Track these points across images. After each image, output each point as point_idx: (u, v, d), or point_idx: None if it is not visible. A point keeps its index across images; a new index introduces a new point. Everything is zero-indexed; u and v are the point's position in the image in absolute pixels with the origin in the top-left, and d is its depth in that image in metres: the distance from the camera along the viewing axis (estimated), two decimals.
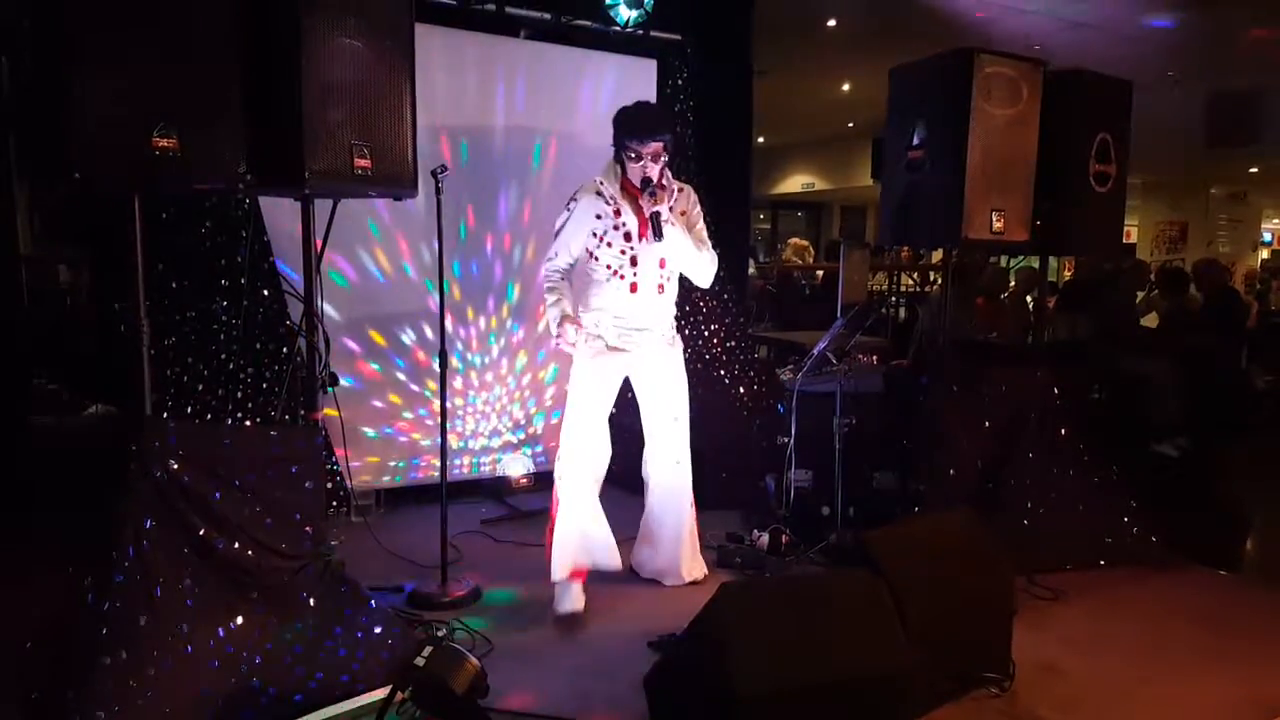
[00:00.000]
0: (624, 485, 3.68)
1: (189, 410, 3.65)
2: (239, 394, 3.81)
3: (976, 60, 3.45)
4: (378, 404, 4.31)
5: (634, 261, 3.21)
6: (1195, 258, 10.56)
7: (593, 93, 4.61)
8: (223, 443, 2.57)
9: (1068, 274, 12.02)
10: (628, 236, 3.20)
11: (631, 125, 3.13)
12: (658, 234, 3.11)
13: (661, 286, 3.28)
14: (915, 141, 3.64)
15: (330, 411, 3.09)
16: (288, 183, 2.63)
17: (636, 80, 4.69)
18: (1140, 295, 7.39)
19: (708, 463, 3.71)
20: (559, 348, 3.28)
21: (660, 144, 3.12)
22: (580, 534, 3.28)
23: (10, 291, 3.31)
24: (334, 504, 4.00)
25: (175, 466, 2.38)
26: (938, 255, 7.51)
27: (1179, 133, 9.65)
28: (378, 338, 4.27)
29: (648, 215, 3.12)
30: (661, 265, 3.26)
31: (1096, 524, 3.84)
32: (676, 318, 3.50)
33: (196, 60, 2.36)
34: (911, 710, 2.47)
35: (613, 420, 3.37)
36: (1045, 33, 7.12)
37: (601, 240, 3.21)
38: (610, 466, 3.36)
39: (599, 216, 3.21)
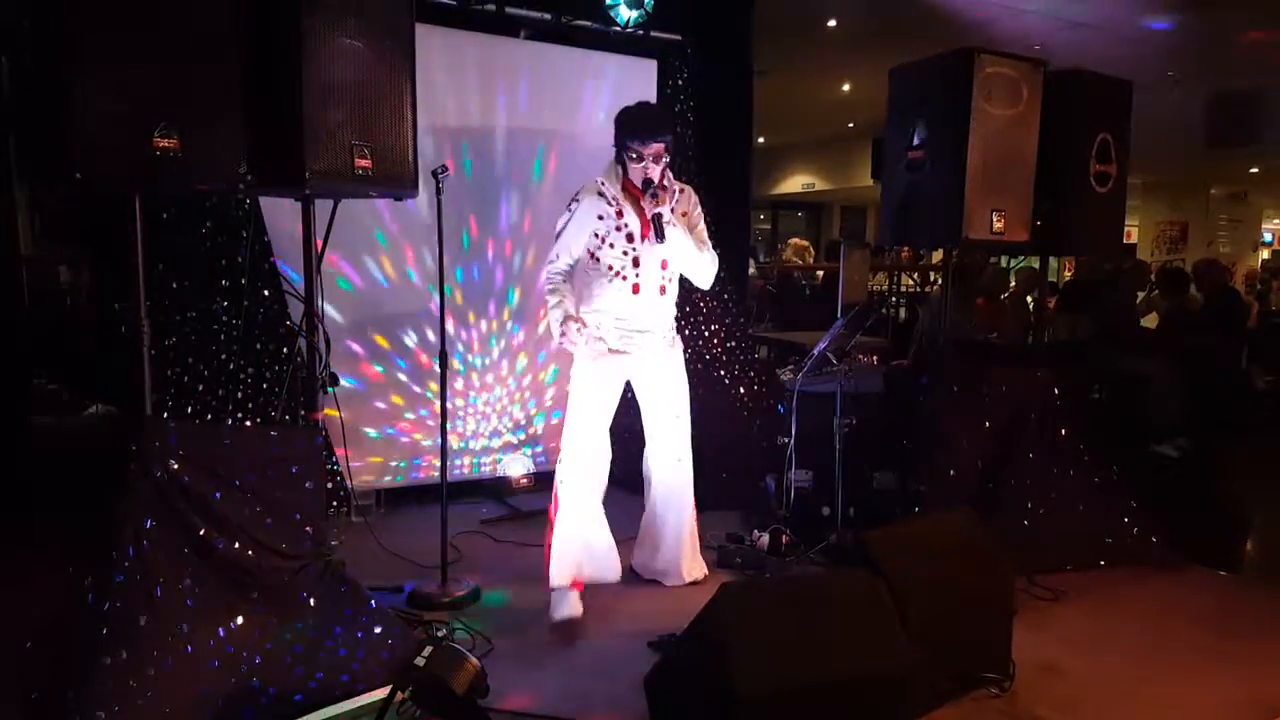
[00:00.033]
0: (624, 485, 3.67)
1: (189, 410, 3.65)
2: (239, 394, 3.81)
3: (977, 60, 3.45)
4: (380, 405, 4.33)
5: (636, 263, 3.20)
6: (1195, 258, 10.56)
7: (593, 93, 4.61)
8: (223, 443, 2.57)
9: (1068, 274, 12.02)
10: (630, 238, 3.19)
11: (633, 126, 3.12)
12: (660, 235, 3.09)
13: (663, 288, 3.27)
14: (915, 141, 3.64)
15: (331, 412, 3.09)
16: (288, 183, 2.63)
17: (637, 80, 4.69)
18: (1140, 295, 7.38)
19: (708, 463, 3.71)
20: (562, 348, 3.25)
21: (662, 145, 3.10)
22: (582, 543, 3.25)
23: (11, 291, 3.31)
24: (334, 504, 4.00)
25: (175, 466, 2.38)
26: (938, 255, 7.52)
27: (1179, 133, 9.65)
28: (381, 341, 4.30)
29: (650, 216, 3.11)
30: (663, 267, 3.24)
31: (1097, 524, 3.84)
32: (676, 318, 3.49)
33: (197, 60, 2.36)
34: (911, 710, 2.46)
35: (613, 420, 3.36)
36: (1045, 33, 7.12)
37: (603, 241, 3.19)
38: (611, 467, 3.35)
39: (601, 217, 3.19)
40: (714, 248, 3.36)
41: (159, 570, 2.30)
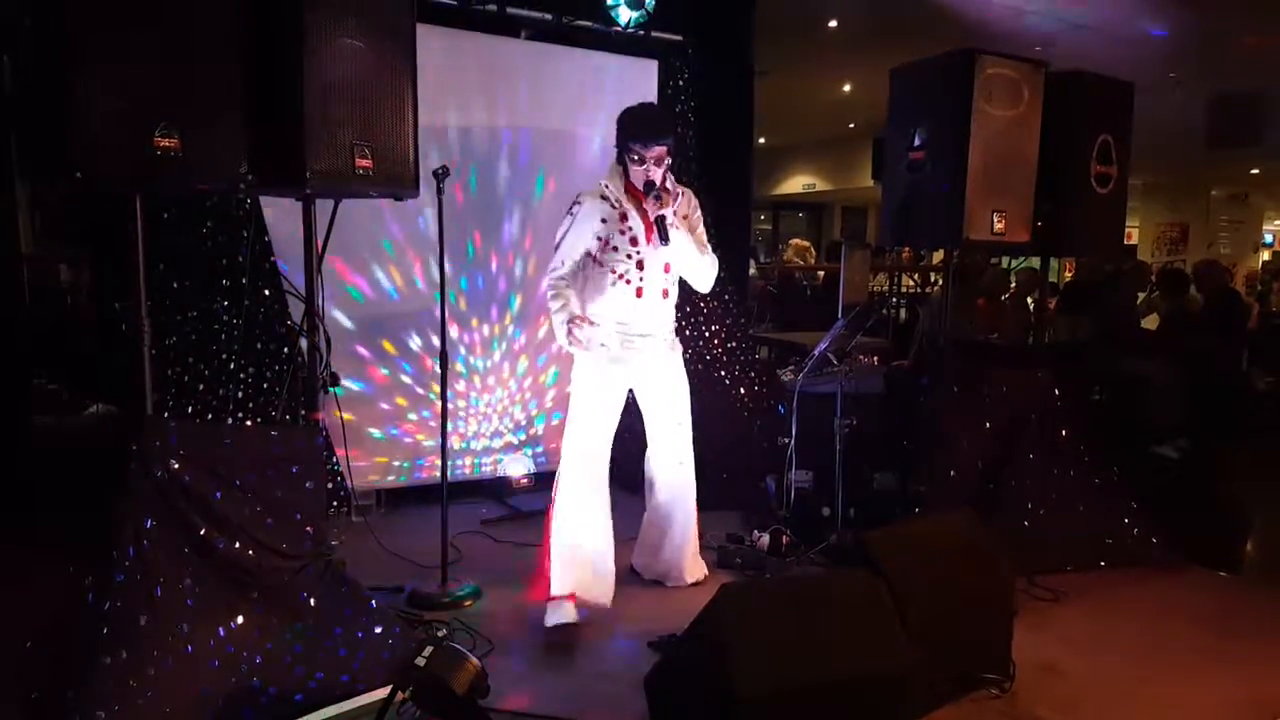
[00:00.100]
0: (624, 485, 3.67)
1: (190, 410, 3.65)
2: (240, 394, 3.81)
3: (978, 61, 3.45)
4: (385, 406, 4.36)
5: (640, 266, 3.17)
6: (1196, 259, 10.56)
7: (594, 93, 4.61)
8: (223, 442, 2.57)
9: (1068, 275, 12.02)
10: (634, 241, 3.16)
11: (635, 128, 3.10)
12: (664, 238, 3.07)
13: (665, 291, 3.25)
14: (916, 142, 3.63)
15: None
16: (289, 182, 2.63)
17: (638, 81, 4.69)
18: (1141, 297, 7.38)
19: (708, 463, 3.70)
20: (564, 350, 3.21)
21: (664, 148, 3.09)
22: (585, 555, 3.20)
23: (11, 290, 3.31)
24: (334, 504, 4.00)
25: (176, 466, 2.38)
26: (938, 256, 7.52)
27: (1180, 134, 9.65)
28: (388, 345, 4.35)
29: (653, 219, 3.09)
30: (666, 270, 3.22)
31: (1097, 525, 3.84)
32: (677, 318, 3.48)
33: (198, 60, 2.36)
34: (911, 710, 2.46)
35: None
36: (1046, 34, 7.12)
37: (606, 245, 3.16)
38: (611, 468, 3.33)
39: (604, 220, 3.16)
40: (715, 249, 3.35)
41: (159, 570, 2.30)
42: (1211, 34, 7.10)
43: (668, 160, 3.13)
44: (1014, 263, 6.70)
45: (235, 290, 3.73)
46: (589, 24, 4.52)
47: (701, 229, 3.34)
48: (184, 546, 2.39)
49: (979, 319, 6.15)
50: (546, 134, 4.54)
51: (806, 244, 9.66)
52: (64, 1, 2.15)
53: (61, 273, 4.11)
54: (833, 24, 7.48)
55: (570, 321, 3.09)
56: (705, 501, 3.60)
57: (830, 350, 4.07)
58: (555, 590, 3.18)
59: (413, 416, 4.42)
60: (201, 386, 3.72)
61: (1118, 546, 3.82)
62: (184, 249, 3.66)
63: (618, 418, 3.29)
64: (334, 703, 2.44)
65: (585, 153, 4.59)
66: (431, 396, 4.38)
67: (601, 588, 3.24)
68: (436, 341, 3.36)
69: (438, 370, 3.34)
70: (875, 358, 4.56)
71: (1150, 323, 7.47)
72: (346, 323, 4.19)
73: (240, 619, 2.46)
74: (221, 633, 2.41)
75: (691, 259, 3.21)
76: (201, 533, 2.41)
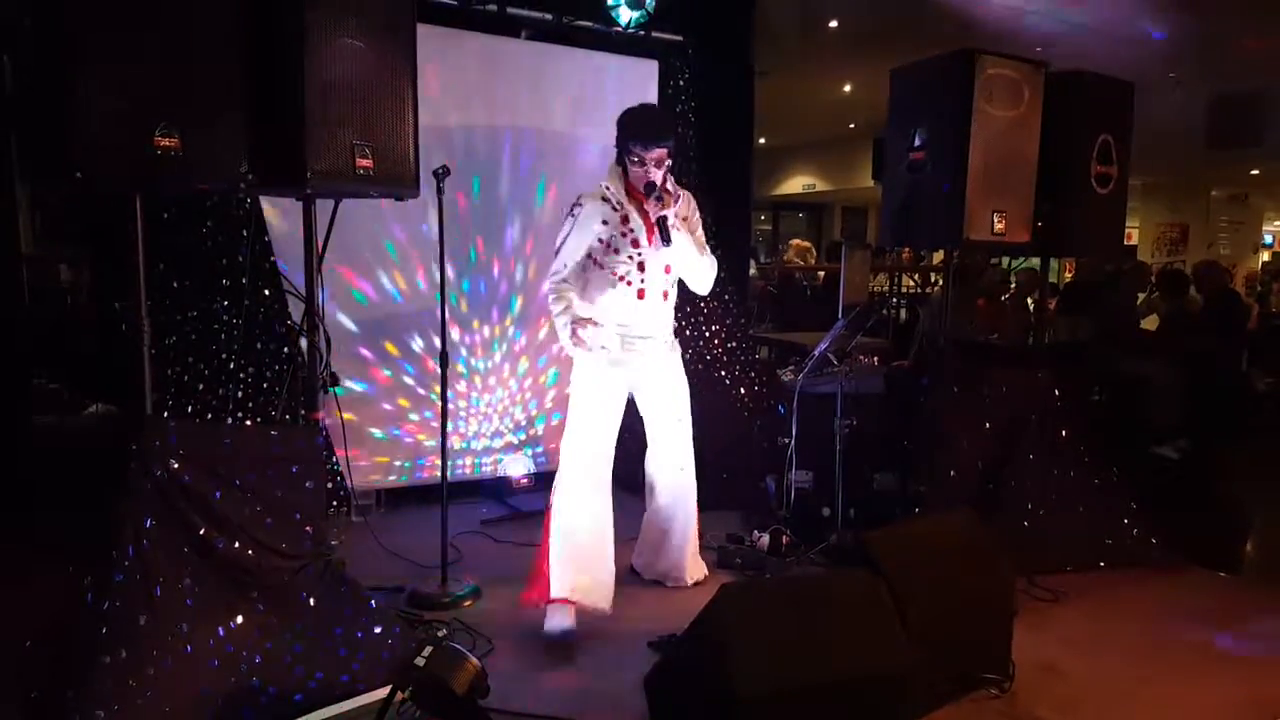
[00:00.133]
0: (624, 485, 3.66)
1: (190, 410, 3.65)
2: (240, 394, 3.81)
3: (978, 61, 3.45)
4: (387, 406, 4.37)
5: (642, 267, 3.16)
6: (1196, 260, 10.56)
7: (594, 93, 4.61)
8: (223, 442, 2.57)
9: (1068, 276, 12.02)
10: (635, 242, 3.15)
11: (636, 129, 3.09)
12: (665, 239, 3.06)
13: (666, 293, 3.25)
14: (916, 143, 3.64)
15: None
16: (289, 182, 2.62)
17: (638, 81, 4.70)
18: (1141, 297, 7.38)
19: (708, 463, 3.70)
20: (565, 353, 3.21)
21: (665, 150, 3.08)
22: (588, 561, 3.17)
23: (11, 290, 3.31)
24: (334, 504, 4.00)
25: (175, 466, 2.38)
26: (939, 256, 7.51)
27: (1180, 134, 9.65)
28: (390, 347, 4.36)
29: (654, 220, 3.09)
30: (667, 271, 3.22)
31: (1097, 525, 3.84)
32: (676, 319, 3.48)
33: (198, 60, 2.35)
34: (911, 710, 2.46)
35: None
36: (1047, 34, 7.12)
37: (608, 246, 3.15)
38: (612, 468, 3.32)
39: (605, 222, 3.15)
40: (715, 249, 3.35)
41: (159, 570, 2.30)
42: (1211, 35, 7.10)
43: (668, 162, 3.13)
44: (1014, 263, 6.69)
45: (235, 290, 3.73)
46: (589, 24, 4.53)
47: (700, 230, 3.33)
48: (184, 546, 2.39)
49: (979, 319, 6.15)
50: (547, 135, 4.54)
51: (807, 244, 9.67)
52: (64, 1, 2.15)
53: (61, 273, 4.11)
54: (833, 24, 7.48)
55: (574, 323, 3.09)
56: (705, 501, 3.60)
57: (830, 350, 4.07)
58: (554, 591, 3.16)
59: (414, 417, 4.43)
60: (201, 386, 3.71)
61: (1118, 547, 3.82)
62: (184, 249, 3.66)
63: (619, 419, 3.28)
64: (334, 703, 2.43)
65: (585, 153, 4.59)
66: (433, 397, 4.38)
67: (601, 592, 3.19)
68: (438, 343, 3.36)
69: (439, 371, 3.34)
70: (875, 358, 4.56)
71: (1150, 323, 7.47)
72: (350, 325, 4.21)
73: (240, 619, 2.46)
74: (221, 632, 2.41)
75: (692, 260, 3.20)
76: (201, 532, 2.41)
